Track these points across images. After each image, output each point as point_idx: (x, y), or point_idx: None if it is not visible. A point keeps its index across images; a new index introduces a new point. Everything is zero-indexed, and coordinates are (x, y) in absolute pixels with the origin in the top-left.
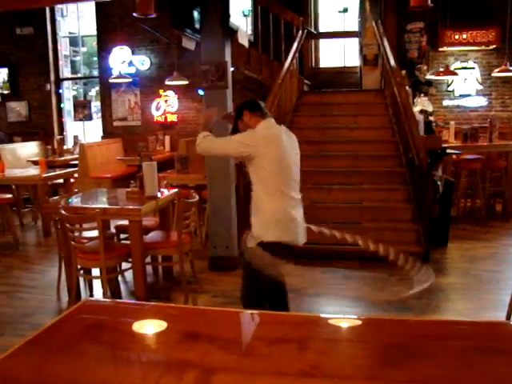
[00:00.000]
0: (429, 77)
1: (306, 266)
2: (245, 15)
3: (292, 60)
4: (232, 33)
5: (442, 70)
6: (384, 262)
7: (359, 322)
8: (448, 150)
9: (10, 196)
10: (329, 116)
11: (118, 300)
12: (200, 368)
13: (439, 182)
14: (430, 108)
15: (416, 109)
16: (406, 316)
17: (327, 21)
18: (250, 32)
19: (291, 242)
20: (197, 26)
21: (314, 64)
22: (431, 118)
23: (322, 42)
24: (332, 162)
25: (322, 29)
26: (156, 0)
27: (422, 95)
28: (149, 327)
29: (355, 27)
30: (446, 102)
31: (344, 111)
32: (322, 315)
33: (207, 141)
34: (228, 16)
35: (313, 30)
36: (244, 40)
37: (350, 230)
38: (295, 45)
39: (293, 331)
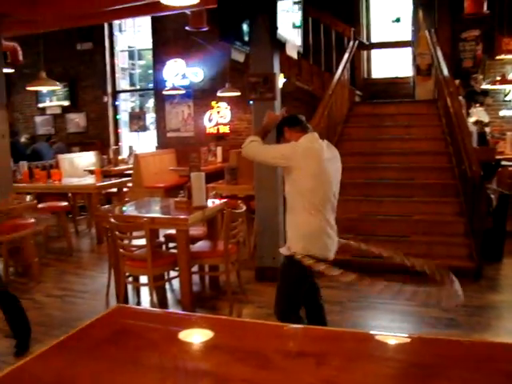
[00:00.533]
0: (484, 86)
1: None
2: (295, 27)
3: (343, 71)
4: (281, 45)
5: (498, 79)
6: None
7: (383, 339)
8: (503, 162)
9: (66, 204)
10: (380, 127)
11: (149, 308)
12: (214, 377)
13: (493, 195)
14: (485, 119)
15: (471, 120)
16: (454, 333)
17: (380, 31)
18: (300, 43)
19: (321, 255)
20: (246, 38)
21: (366, 75)
22: (486, 129)
23: (375, 52)
24: (383, 173)
25: (374, 39)
26: (208, 13)
27: (478, 105)
28: (175, 335)
29: (408, 37)
30: (502, 113)
31: (396, 122)
32: (349, 330)
33: (253, 146)
34: (276, 28)
35: (365, 41)
36: (293, 52)
37: (399, 244)
38: (346, 56)
39: (314, 345)
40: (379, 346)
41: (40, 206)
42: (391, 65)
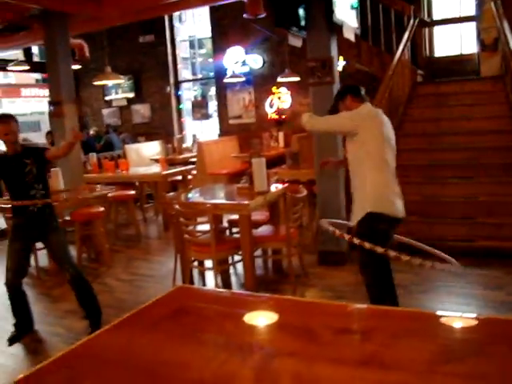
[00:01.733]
0: None
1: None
2: (353, 8)
3: (403, 51)
4: (337, 28)
5: None
6: (500, 259)
7: (427, 317)
8: None
9: (133, 192)
10: (444, 107)
11: (207, 288)
12: (264, 352)
13: None
14: None
15: None
16: None
17: (441, 7)
18: (357, 25)
19: (392, 214)
20: (302, 23)
21: (428, 53)
22: None
23: (437, 29)
24: (447, 154)
25: (435, 16)
26: (264, 0)
27: None
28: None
29: (472, 11)
30: None
31: (460, 101)
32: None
33: (315, 119)
34: (332, 12)
35: (426, 18)
36: (350, 34)
37: (464, 227)
38: (406, 35)
39: (361, 322)
40: (424, 322)
41: (109, 195)
42: (455, 41)
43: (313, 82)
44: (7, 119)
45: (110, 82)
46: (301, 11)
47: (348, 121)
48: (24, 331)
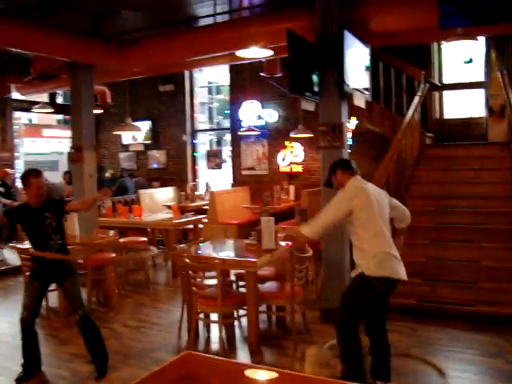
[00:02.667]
0: None
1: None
2: (366, 69)
3: (413, 114)
4: (349, 95)
5: None
6: (500, 325)
7: None
8: None
9: (145, 239)
10: (451, 170)
11: (216, 357)
12: None
13: None
14: None
15: None
16: None
17: (452, 72)
18: (368, 86)
19: (391, 275)
20: (315, 89)
21: (438, 115)
22: None
23: (447, 92)
24: (452, 218)
25: (446, 80)
26: (281, 61)
27: None
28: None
29: (481, 77)
30: None
31: (467, 165)
32: None
33: (312, 225)
34: (343, 81)
35: (436, 82)
36: (360, 102)
37: (465, 290)
38: (416, 99)
39: None
40: None
41: (121, 240)
42: (464, 105)
43: (323, 145)
44: (40, 173)
45: (129, 133)
46: (314, 78)
47: (342, 205)
48: (32, 372)
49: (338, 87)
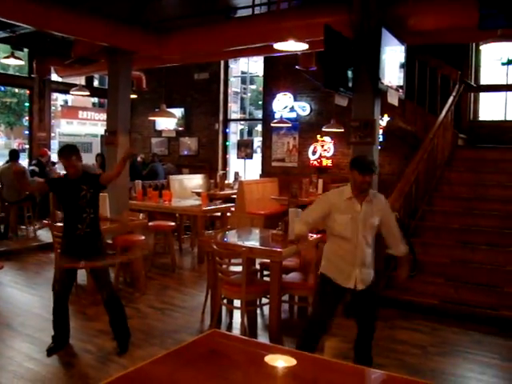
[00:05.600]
0: None
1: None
2: (401, 66)
3: (446, 114)
4: (382, 92)
5: None
6: None
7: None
8: None
9: (173, 224)
10: (482, 173)
11: (240, 336)
12: None
13: None
14: None
15: None
16: None
17: (489, 73)
18: (402, 83)
19: (334, 279)
20: (349, 84)
21: (472, 117)
22: None
23: (483, 94)
24: (479, 220)
25: (482, 81)
26: (316, 55)
27: None
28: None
29: None
30: None
31: (498, 168)
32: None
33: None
34: (378, 78)
35: (472, 83)
36: (394, 99)
37: (489, 293)
38: (451, 99)
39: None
40: None
41: (150, 223)
42: (499, 107)
43: (354, 141)
44: (69, 155)
45: (163, 119)
46: (349, 73)
47: (315, 205)
48: (61, 344)
49: (373, 84)
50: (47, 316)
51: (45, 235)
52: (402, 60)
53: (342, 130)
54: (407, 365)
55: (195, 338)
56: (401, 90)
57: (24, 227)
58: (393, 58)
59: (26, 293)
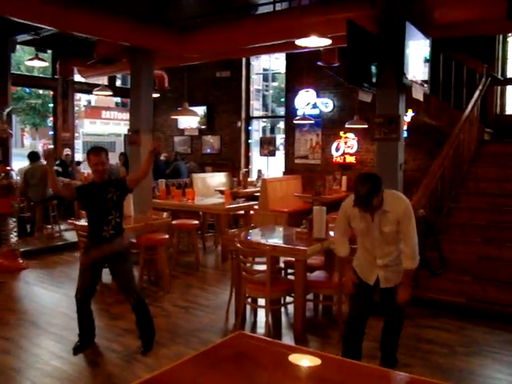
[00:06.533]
0: None
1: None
2: (425, 61)
3: (472, 109)
4: (407, 87)
5: None
6: None
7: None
8: None
9: (197, 222)
10: (509, 168)
11: (267, 338)
12: None
13: None
14: None
15: None
16: None
17: None
18: (428, 78)
19: (360, 275)
20: (373, 80)
21: (498, 110)
22: None
23: (510, 87)
24: (506, 216)
25: (509, 74)
26: (338, 50)
27: None
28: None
29: None
30: None
31: None
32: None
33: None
34: (402, 74)
35: (499, 76)
36: (419, 95)
37: None
38: (477, 93)
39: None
40: None
41: (174, 222)
42: None
43: (379, 137)
44: (99, 151)
45: (186, 118)
46: (373, 69)
47: (338, 218)
48: (87, 343)
49: (397, 79)
50: (72, 315)
51: (70, 234)
52: (427, 54)
53: (366, 126)
54: (434, 365)
55: (221, 341)
56: (426, 85)
57: (49, 226)
58: (417, 53)
59: (52, 291)
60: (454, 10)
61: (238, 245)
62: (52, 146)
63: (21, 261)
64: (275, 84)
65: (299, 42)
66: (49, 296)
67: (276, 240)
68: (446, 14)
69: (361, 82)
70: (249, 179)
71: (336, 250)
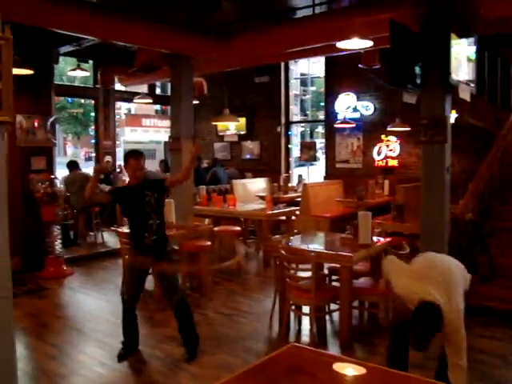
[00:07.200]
0: None
1: None
2: (469, 60)
3: None
4: (453, 87)
5: None
6: None
7: None
8: None
9: (238, 228)
10: None
11: (322, 351)
12: None
13: None
14: None
15: None
16: None
17: None
18: (473, 78)
19: None
20: (418, 81)
21: None
22: None
23: None
24: None
25: None
26: (379, 52)
27: None
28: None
29: None
30: None
31: None
32: None
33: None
34: (448, 73)
35: None
36: (466, 95)
37: None
38: None
39: None
40: None
41: (216, 229)
42: None
43: (424, 139)
44: (139, 156)
45: (227, 124)
46: (417, 69)
47: None
48: (131, 350)
49: (442, 79)
50: (116, 321)
51: (112, 241)
52: (472, 53)
53: (408, 129)
54: (487, 375)
55: (274, 354)
56: (472, 85)
57: (92, 233)
58: (463, 51)
59: (96, 298)
60: (500, 5)
61: (283, 251)
62: (109, 160)
63: (65, 268)
64: (313, 88)
65: (340, 44)
66: (93, 302)
67: (319, 246)
68: (492, 9)
69: (404, 83)
70: (289, 184)
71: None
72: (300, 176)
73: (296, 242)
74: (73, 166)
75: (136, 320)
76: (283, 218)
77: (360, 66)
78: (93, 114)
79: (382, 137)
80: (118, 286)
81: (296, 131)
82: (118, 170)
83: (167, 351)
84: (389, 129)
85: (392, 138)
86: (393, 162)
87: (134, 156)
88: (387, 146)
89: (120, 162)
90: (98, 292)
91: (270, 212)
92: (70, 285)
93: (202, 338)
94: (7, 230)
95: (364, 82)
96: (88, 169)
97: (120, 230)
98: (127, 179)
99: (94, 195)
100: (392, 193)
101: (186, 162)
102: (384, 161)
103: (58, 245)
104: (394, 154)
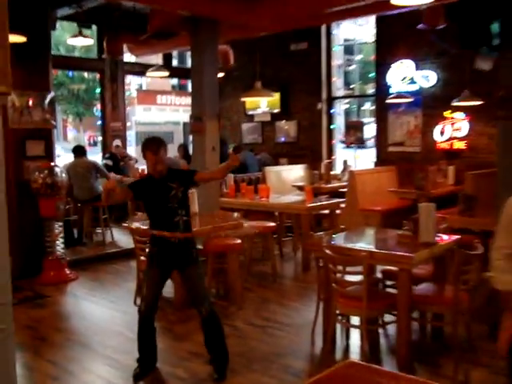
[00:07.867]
0: None
1: None
2: None
3: None
4: None
5: None
6: None
7: None
8: None
9: (273, 224)
10: None
11: (385, 369)
12: None
13: None
14: None
15: None
16: None
17: None
18: None
19: None
20: (495, 42)
21: None
22: None
23: None
24: None
25: None
26: (445, 9)
27: None
28: None
29: None
30: None
31: None
32: None
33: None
34: None
35: None
36: None
37: None
38: None
39: None
40: None
41: (245, 224)
42: None
43: (503, 114)
44: (158, 148)
45: (259, 99)
46: (494, 27)
47: (499, 229)
48: (148, 369)
49: None
50: (129, 334)
51: (123, 240)
52: None
53: (480, 103)
54: None
55: (328, 372)
56: None
57: (100, 231)
58: None
59: (105, 307)
60: None
61: (328, 251)
62: (119, 145)
63: (68, 271)
64: (360, 57)
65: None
66: (101, 312)
67: (371, 245)
68: None
69: (478, 45)
70: (332, 172)
71: (496, 279)
72: (345, 162)
73: (341, 240)
74: (79, 151)
75: (154, 334)
76: (325, 211)
77: (420, 26)
78: (98, 90)
79: (446, 113)
80: (131, 294)
81: (340, 109)
82: (129, 157)
83: (191, 370)
84: (454, 103)
85: (458, 115)
86: (459, 144)
87: (152, 149)
88: (452, 124)
89: (131, 147)
90: (108, 300)
91: (311, 205)
92: (73, 291)
93: (230, 354)
94: (6, 223)
95: (424, 48)
96: (94, 156)
97: (133, 226)
98: (141, 168)
99: (112, 199)
100: (458, 182)
101: (223, 165)
102: (448, 143)
103: (59, 245)
104: (461, 135)
